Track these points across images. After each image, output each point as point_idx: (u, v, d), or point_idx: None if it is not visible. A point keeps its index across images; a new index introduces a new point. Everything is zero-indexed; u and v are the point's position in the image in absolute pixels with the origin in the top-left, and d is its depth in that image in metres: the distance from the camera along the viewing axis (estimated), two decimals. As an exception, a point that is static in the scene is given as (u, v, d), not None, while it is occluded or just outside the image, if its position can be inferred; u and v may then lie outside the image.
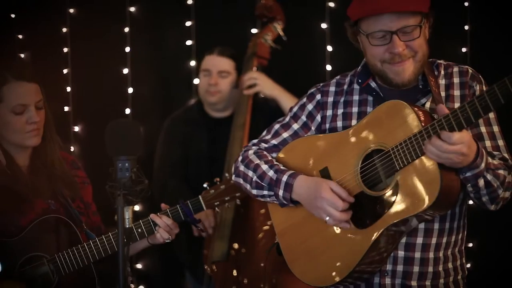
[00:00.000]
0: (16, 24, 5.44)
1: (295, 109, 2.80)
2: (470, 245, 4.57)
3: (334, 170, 2.61)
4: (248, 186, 2.75)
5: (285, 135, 2.78)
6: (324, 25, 4.84)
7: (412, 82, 2.58)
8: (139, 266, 5.24)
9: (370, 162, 2.52)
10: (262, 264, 3.86)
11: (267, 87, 4.13)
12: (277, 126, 2.82)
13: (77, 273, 2.89)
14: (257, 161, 2.73)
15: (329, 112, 2.72)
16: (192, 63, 5.14)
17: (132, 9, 5.25)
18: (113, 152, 2.16)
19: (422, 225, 2.56)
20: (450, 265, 2.64)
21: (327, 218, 2.55)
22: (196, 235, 4.06)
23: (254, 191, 2.74)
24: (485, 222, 3.84)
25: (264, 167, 2.70)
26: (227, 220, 3.94)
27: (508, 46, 4.49)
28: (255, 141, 2.85)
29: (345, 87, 2.73)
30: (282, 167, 2.69)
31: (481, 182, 2.45)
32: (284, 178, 2.64)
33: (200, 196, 2.99)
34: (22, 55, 5.43)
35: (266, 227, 3.89)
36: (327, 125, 2.72)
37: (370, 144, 2.53)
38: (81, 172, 3.14)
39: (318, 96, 2.75)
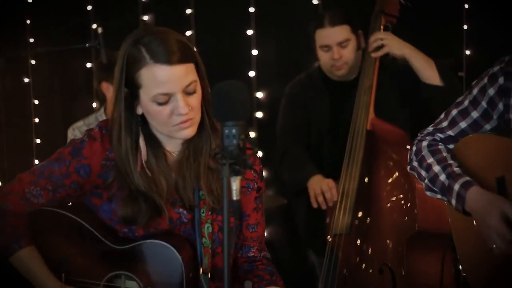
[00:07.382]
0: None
1: (475, 92, 2.39)
2: None
3: None
4: (422, 185, 2.50)
5: (463, 124, 2.42)
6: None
7: None
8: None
9: None
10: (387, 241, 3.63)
11: (396, 46, 3.81)
12: (454, 111, 2.46)
13: None
14: (430, 159, 2.43)
15: None
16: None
17: (256, -32, 5.09)
18: (219, 117, 1.95)
19: None
20: None
21: (494, 246, 2.22)
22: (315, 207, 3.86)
23: (428, 193, 2.49)
24: None
25: (436, 168, 2.40)
26: (351, 190, 3.70)
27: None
28: (430, 129, 2.54)
29: None
30: (455, 169, 2.36)
31: None
32: (456, 187, 2.32)
33: None
34: (146, 17, 5.42)
35: (393, 198, 3.64)
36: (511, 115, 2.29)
37: None
38: (250, 174, 2.50)
39: (501, 80, 2.29)
